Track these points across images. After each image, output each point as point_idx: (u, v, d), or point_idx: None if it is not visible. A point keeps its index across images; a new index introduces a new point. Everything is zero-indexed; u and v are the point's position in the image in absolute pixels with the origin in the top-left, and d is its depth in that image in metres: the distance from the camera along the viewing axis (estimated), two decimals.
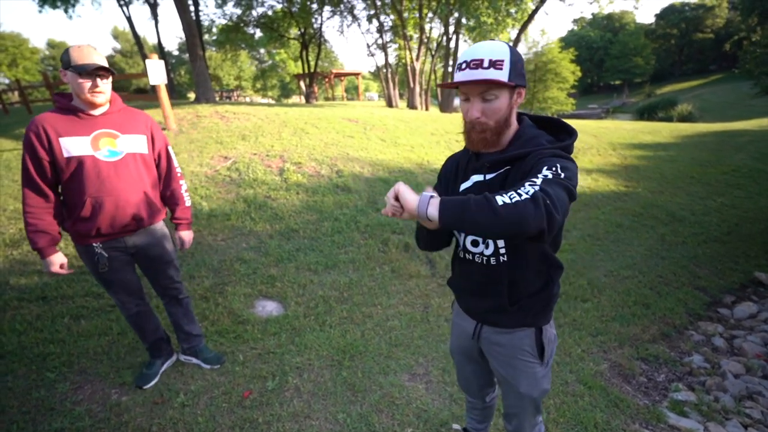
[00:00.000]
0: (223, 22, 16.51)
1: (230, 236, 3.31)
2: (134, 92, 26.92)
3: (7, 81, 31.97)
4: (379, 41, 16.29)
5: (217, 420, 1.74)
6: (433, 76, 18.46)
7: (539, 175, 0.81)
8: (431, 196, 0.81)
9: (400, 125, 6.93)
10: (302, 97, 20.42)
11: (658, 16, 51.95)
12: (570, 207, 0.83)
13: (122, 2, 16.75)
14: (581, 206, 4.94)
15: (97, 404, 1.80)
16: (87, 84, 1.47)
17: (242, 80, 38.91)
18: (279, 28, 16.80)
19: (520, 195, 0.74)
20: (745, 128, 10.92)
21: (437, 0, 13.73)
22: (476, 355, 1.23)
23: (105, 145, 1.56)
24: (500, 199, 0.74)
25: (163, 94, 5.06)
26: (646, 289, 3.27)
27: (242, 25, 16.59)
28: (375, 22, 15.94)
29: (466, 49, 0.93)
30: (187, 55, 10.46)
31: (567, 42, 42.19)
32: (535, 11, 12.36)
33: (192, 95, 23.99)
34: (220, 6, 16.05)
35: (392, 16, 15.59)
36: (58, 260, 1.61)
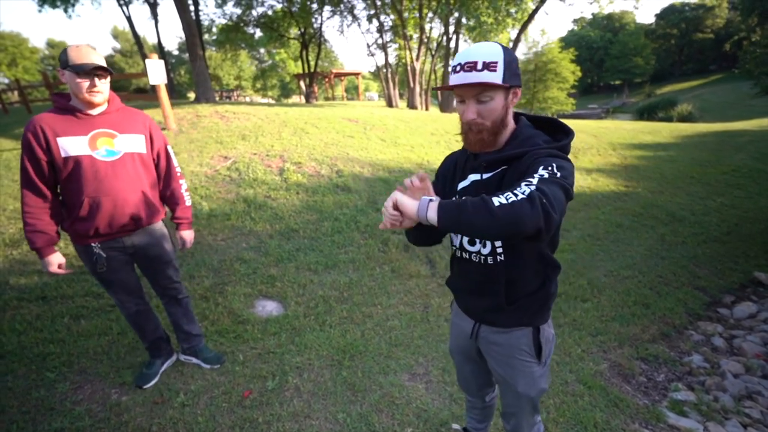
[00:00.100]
0: (223, 21, 16.51)
1: (230, 236, 3.31)
2: (134, 92, 26.92)
3: (6, 81, 31.97)
4: (379, 41, 16.31)
5: (217, 420, 1.74)
6: (433, 76, 18.46)
7: (535, 175, 0.81)
8: (430, 200, 0.82)
9: (400, 125, 6.93)
10: (302, 97, 20.42)
11: (658, 16, 51.96)
12: (567, 206, 0.83)
13: (122, 2, 16.74)
14: (581, 206, 4.94)
15: (97, 404, 1.80)
16: (85, 84, 1.48)
17: (242, 80, 38.90)
18: (279, 28, 16.79)
19: (516, 195, 0.75)
20: (745, 128, 10.92)
21: (437, 0, 13.73)
22: (475, 355, 1.23)
23: (103, 145, 1.55)
24: (496, 200, 0.75)
25: (163, 94, 5.06)
26: (646, 289, 3.27)
27: (242, 24, 16.58)
28: (375, 22, 15.95)
29: (460, 51, 0.94)
30: (187, 54, 10.46)
31: (567, 42, 42.20)
32: (535, 11, 12.36)
33: (192, 95, 23.99)
34: (220, 6, 16.05)
35: (392, 16, 15.59)
36: (56, 260, 1.62)
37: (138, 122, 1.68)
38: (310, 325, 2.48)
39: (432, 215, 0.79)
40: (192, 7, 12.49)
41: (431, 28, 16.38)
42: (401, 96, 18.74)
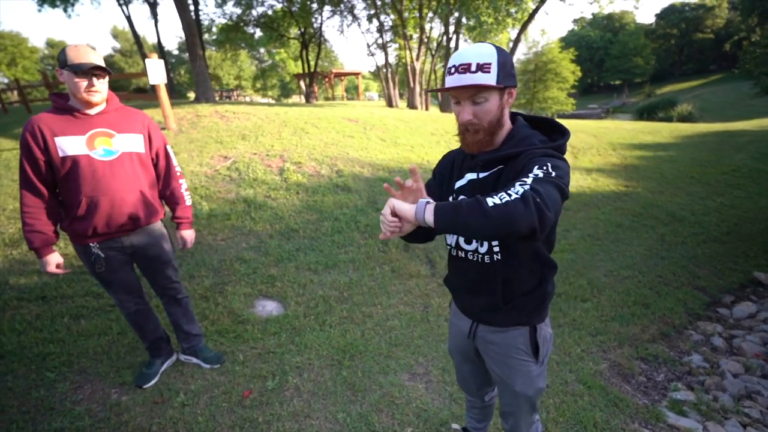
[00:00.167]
0: (223, 21, 16.50)
1: (230, 236, 3.31)
2: (134, 92, 26.90)
3: (6, 80, 31.96)
4: (379, 41, 16.31)
5: (217, 419, 1.74)
6: (433, 76, 18.47)
7: (530, 175, 0.82)
8: (427, 202, 0.82)
9: (400, 125, 6.93)
10: (302, 97, 20.42)
11: (658, 16, 51.95)
12: (563, 205, 0.84)
13: (122, 1, 16.73)
14: (581, 206, 4.95)
15: (96, 404, 1.80)
16: (83, 83, 1.48)
17: (242, 80, 38.89)
18: (279, 28, 16.79)
19: (510, 195, 0.75)
20: (745, 128, 10.92)
21: (437, 0, 13.72)
22: (473, 355, 1.23)
23: (100, 145, 1.55)
24: (490, 201, 0.75)
25: (163, 94, 5.06)
26: (646, 289, 3.27)
27: (242, 24, 16.58)
28: (375, 22, 15.95)
29: (455, 53, 0.94)
30: (187, 54, 10.46)
31: (567, 42, 42.18)
32: (535, 11, 12.36)
33: (192, 95, 23.99)
34: (219, 5, 16.04)
35: (392, 16, 15.59)
36: (54, 260, 1.62)
37: (136, 122, 1.67)
38: (310, 324, 2.48)
39: (429, 217, 0.80)
40: (192, 7, 12.48)
41: (431, 28, 16.39)
42: (401, 96, 18.74)
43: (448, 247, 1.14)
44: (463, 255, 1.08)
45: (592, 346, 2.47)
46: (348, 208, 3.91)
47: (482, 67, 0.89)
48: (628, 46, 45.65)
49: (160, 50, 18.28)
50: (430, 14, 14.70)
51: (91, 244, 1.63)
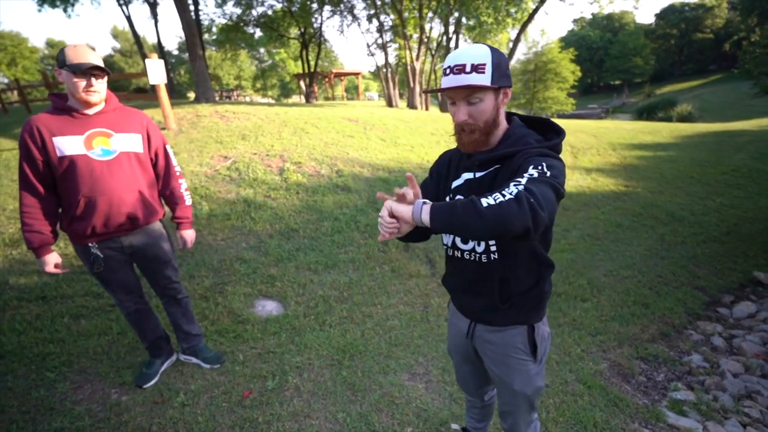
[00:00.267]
0: (223, 21, 16.50)
1: (230, 236, 3.31)
2: (134, 92, 26.89)
3: (6, 80, 31.95)
4: (379, 41, 16.32)
5: (217, 419, 1.74)
6: (433, 76, 18.47)
7: (525, 175, 0.83)
8: (423, 202, 0.83)
9: (400, 125, 6.93)
10: (302, 97, 20.42)
11: (658, 16, 51.96)
12: (558, 204, 0.84)
13: (122, 1, 16.73)
14: (581, 206, 4.95)
15: (96, 404, 1.80)
16: (81, 83, 1.48)
17: (242, 80, 38.88)
18: (279, 28, 16.79)
19: (504, 196, 0.76)
20: (745, 128, 10.93)
21: (437, 0, 13.72)
22: (472, 355, 1.23)
23: (98, 144, 1.55)
24: (485, 201, 0.76)
25: (163, 94, 5.06)
26: (646, 288, 3.27)
27: (242, 24, 16.58)
28: (375, 22, 15.95)
29: (450, 54, 0.95)
30: (187, 54, 10.45)
31: (567, 42, 42.15)
32: (535, 11, 12.37)
33: (192, 95, 23.99)
34: (219, 5, 16.05)
35: (392, 16, 15.60)
36: (52, 260, 1.62)
37: (135, 121, 1.67)
38: (310, 324, 2.48)
39: (425, 217, 0.81)
40: (192, 7, 12.48)
41: (431, 28, 16.40)
42: (401, 96, 18.74)
43: (445, 247, 1.15)
44: (459, 255, 1.09)
45: (591, 346, 2.47)
46: (348, 208, 3.91)
47: (477, 68, 0.90)
48: (627, 46, 45.66)
49: (160, 50, 18.28)
50: (430, 14, 14.70)
51: (89, 244, 1.63)
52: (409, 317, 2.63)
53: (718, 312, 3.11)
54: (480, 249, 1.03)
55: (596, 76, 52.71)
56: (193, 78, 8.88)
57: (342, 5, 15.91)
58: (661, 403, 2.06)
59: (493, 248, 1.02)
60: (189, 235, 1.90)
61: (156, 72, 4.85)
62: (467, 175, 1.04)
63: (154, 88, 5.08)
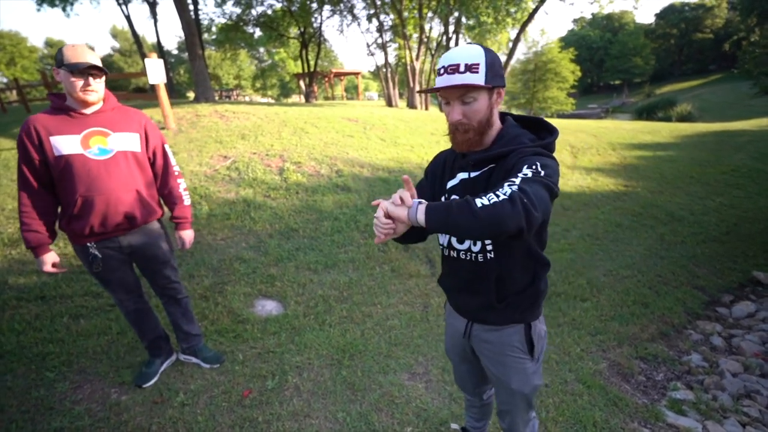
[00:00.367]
0: (223, 21, 16.49)
1: (230, 235, 3.31)
2: (133, 91, 26.85)
3: (5, 80, 31.92)
4: (379, 40, 16.31)
5: (217, 419, 1.74)
6: (432, 76, 18.45)
7: (519, 174, 0.84)
8: (419, 202, 0.85)
9: (400, 125, 6.93)
10: (302, 97, 20.41)
11: (658, 16, 51.98)
12: (552, 204, 0.85)
13: (121, 1, 16.72)
14: (581, 206, 4.95)
15: (96, 403, 1.80)
16: (79, 82, 1.48)
17: (242, 79, 38.85)
18: (278, 28, 16.78)
19: (498, 196, 0.77)
20: (744, 128, 10.93)
21: (437, 0, 13.72)
22: (469, 354, 1.24)
23: (95, 144, 1.55)
24: (479, 201, 0.77)
25: (163, 94, 5.06)
26: (645, 288, 3.27)
27: (242, 24, 16.57)
28: (375, 22, 15.94)
29: (444, 54, 0.96)
30: (187, 54, 10.45)
31: (567, 42, 42.14)
32: (535, 11, 12.35)
33: (191, 94, 23.96)
34: (219, 5, 16.02)
35: (392, 16, 15.58)
36: (50, 259, 1.62)
37: (133, 121, 1.67)
38: (310, 324, 2.48)
39: (421, 217, 0.83)
40: (191, 7, 12.47)
41: (431, 28, 16.39)
42: (401, 96, 18.74)
43: (441, 247, 1.15)
44: (455, 255, 1.09)
45: (591, 346, 2.47)
46: (348, 207, 3.91)
47: (470, 68, 0.91)
48: (627, 46, 45.67)
49: (160, 50, 18.27)
50: (430, 14, 14.69)
51: (88, 244, 1.63)
52: (408, 317, 2.63)
53: (718, 312, 3.12)
54: (476, 248, 1.04)
55: (596, 76, 52.73)
56: (193, 78, 8.87)
57: (342, 5, 15.90)
58: (661, 402, 2.07)
59: (489, 247, 1.02)
60: (187, 235, 1.89)
61: (155, 71, 4.84)
62: (462, 175, 1.05)
63: (153, 87, 5.08)
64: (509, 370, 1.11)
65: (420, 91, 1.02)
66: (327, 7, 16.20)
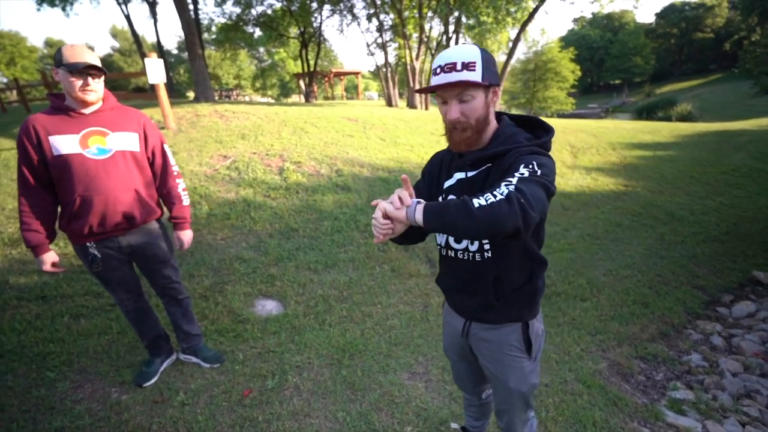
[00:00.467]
0: (223, 20, 16.49)
1: (230, 235, 3.31)
2: (133, 91, 26.85)
3: (5, 80, 31.92)
4: (379, 40, 16.30)
5: (217, 418, 1.74)
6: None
7: (516, 174, 0.84)
8: (417, 202, 0.85)
9: (400, 124, 6.93)
10: (302, 96, 20.40)
11: (659, 16, 51.93)
12: (549, 203, 0.86)
13: (121, 1, 16.71)
14: (581, 205, 4.95)
15: (97, 403, 1.80)
16: (78, 82, 1.48)
17: (242, 79, 38.83)
18: (278, 27, 16.77)
19: (495, 196, 0.78)
20: (745, 128, 10.93)
21: None
22: (467, 353, 1.24)
23: (94, 143, 1.55)
24: (476, 202, 0.78)
25: (162, 93, 5.06)
26: (645, 288, 3.27)
27: (241, 23, 16.56)
28: (375, 21, 15.93)
29: (439, 54, 0.97)
30: (186, 54, 10.44)
31: (567, 41, 42.12)
32: (535, 10, 12.34)
33: (191, 94, 23.96)
34: (219, 5, 16.02)
35: (392, 15, 15.57)
36: (49, 259, 1.62)
37: (132, 120, 1.67)
38: (310, 324, 2.48)
39: (419, 216, 0.83)
40: (191, 6, 12.47)
41: (431, 28, 16.37)
42: (401, 95, 18.73)
43: (438, 247, 1.16)
44: (453, 254, 1.09)
45: (591, 346, 2.47)
46: (348, 207, 3.91)
47: (467, 66, 0.91)
48: (627, 45, 45.62)
49: (160, 49, 18.26)
50: (430, 13, 14.68)
51: (87, 244, 1.64)
52: (408, 316, 2.63)
53: (718, 311, 3.12)
54: (473, 248, 1.04)
55: (596, 76, 52.69)
56: (193, 77, 8.87)
57: (341, 4, 15.89)
58: (661, 402, 2.07)
59: (486, 247, 1.03)
60: (186, 235, 1.88)
61: (155, 71, 4.84)
62: (459, 175, 1.05)
63: (153, 87, 5.08)
64: (507, 368, 1.12)
65: (418, 91, 1.01)
66: (327, 7, 16.19)
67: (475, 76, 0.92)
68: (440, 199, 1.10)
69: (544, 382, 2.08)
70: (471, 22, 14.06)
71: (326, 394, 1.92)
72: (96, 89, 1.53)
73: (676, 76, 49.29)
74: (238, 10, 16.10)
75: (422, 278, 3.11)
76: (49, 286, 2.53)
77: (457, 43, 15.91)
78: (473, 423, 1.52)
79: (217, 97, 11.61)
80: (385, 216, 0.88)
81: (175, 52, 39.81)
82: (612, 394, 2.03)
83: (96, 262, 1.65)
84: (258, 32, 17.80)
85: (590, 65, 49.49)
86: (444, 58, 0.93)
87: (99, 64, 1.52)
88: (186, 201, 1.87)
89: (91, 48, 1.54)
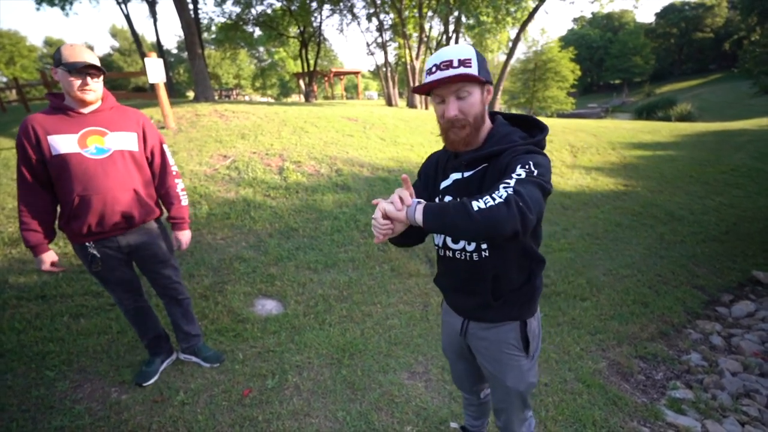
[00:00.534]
0: (222, 20, 16.49)
1: (230, 235, 3.31)
2: (133, 90, 26.83)
3: (5, 79, 31.88)
4: (379, 40, 16.32)
5: (217, 418, 1.74)
6: None
7: (513, 175, 0.85)
8: (418, 202, 0.86)
9: (400, 124, 6.93)
10: (301, 96, 20.39)
11: (658, 15, 51.93)
12: (545, 202, 0.87)
13: (120, 0, 16.70)
14: (580, 205, 4.95)
15: (96, 402, 1.80)
16: (77, 82, 1.48)
17: (241, 79, 38.81)
18: (278, 27, 16.77)
19: (494, 199, 0.79)
20: (744, 128, 10.93)
21: None
22: (466, 352, 1.24)
23: (92, 143, 1.55)
24: (476, 205, 0.79)
25: (162, 93, 5.06)
26: (645, 287, 3.27)
27: (241, 23, 16.56)
28: (374, 21, 15.93)
29: (433, 54, 0.97)
30: (186, 53, 10.44)
31: (567, 41, 42.12)
32: (535, 10, 12.34)
33: (191, 94, 23.94)
34: (219, 4, 16.02)
35: (392, 15, 15.57)
36: (48, 258, 1.62)
37: (131, 120, 1.67)
38: (310, 323, 2.48)
39: (419, 216, 0.84)
40: (191, 6, 12.46)
41: (431, 27, 16.38)
42: (401, 95, 18.73)
43: (436, 248, 1.16)
44: (450, 254, 1.10)
45: (591, 345, 2.48)
46: (347, 207, 3.91)
47: (464, 63, 0.92)
48: (627, 45, 45.62)
49: (159, 49, 18.25)
50: (430, 13, 14.68)
51: (86, 244, 1.64)
52: (408, 316, 2.63)
53: (717, 311, 3.12)
54: (470, 248, 1.05)
55: (596, 75, 52.69)
56: (193, 77, 8.86)
57: (341, 4, 15.88)
58: (660, 401, 2.07)
59: (484, 246, 1.03)
60: (184, 236, 1.88)
61: (155, 71, 4.84)
62: (455, 176, 1.05)
63: (153, 87, 5.08)
64: (505, 367, 1.12)
65: (415, 90, 1.00)
66: (327, 6, 16.19)
67: (473, 71, 0.93)
68: (437, 199, 1.10)
69: (544, 381, 2.08)
70: (471, 21, 14.05)
71: (326, 394, 1.92)
72: (95, 89, 1.53)
73: (675, 76, 49.29)
74: (237, 9, 16.11)
75: (422, 278, 3.11)
76: (49, 285, 2.53)
77: (457, 42, 15.91)
78: (472, 422, 1.52)
79: (216, 97, 11.60)
80: (385, 216, 0.89)
81: (174, 51, 39.78)
82: (612, 393, 2.03)
83: (95, 262, 1.65)
84: (258, 32, 17.80)
85: (590, 65, 49.48)
86: (439, 56, 0.94)
87: (98, 63, 1.52)
88: (184, 201, 1.87)
89: (91, 47, 1.54)
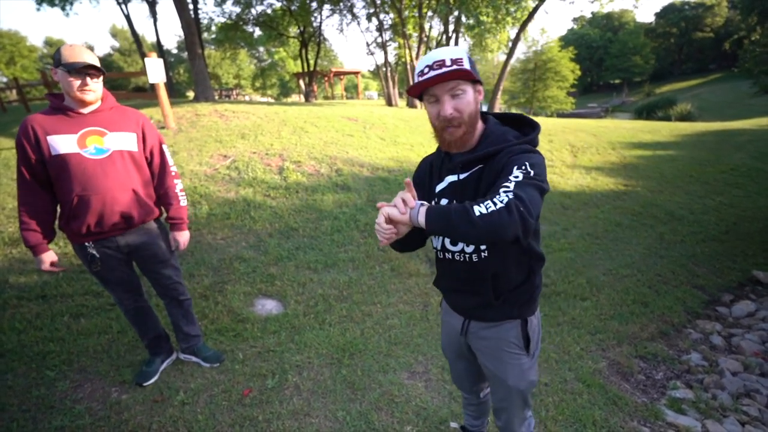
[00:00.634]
0: (222, 20, 16.49)
1: (230, 235, 3.31)
2: (133, 90, 26.83)
3: (5, 79, 31.89)
4: (379, 40, 16.32)
5: (217, 418, 1.74)
6: None
7: (511, 178, 0.86)
8: (421, 204, 0.87)
9: (400, 124, 6.93)
10: (301, 96, 20.39)
11: (658, 15, 51.91)
12: (542, 200, 0.89)
13: (120, 0, 16.70)
14: (581, 205, 4.95)
15: (97, 402, 1.80)
16: (76, 82, 1.48)
17: (241, 79, 38.82)
18: (278, 27, 16.77)
19: (495, 204, 0.80)
20: (744, 127, 10.93)
21: None
22: (466, 352, 1.24)
23: (92, 143, 1.55)
24: (477, 210, 0.80)
25: (162, 93, 5.06)
26: (645, 287, 3.27)
27: (241, 23, 16.56)
28: (374, 21, 15.93)
29: (423, 56, 0.98)
30: (186, 53, 10.44)
31: (567, 41, 42.13)
32: (535, 10, 12.33)
33: (191, 94, 23.93)
34: (219, 4, 16.02)
35: (392, 15, 15.57)
36: (48, 258, 1.62)
37: (130, 120, 1.67)
38: (310, 323, 2.48)
39: (422, 219, 0.86)
40: (191, 6, 12.46)
41: (431, 27, 16.37)
42: (401, 95, 18.73)
43: (435, 250, 1.16)
44: (450, 256, 1.10)
45: (591, 345, 2.48)
46: (347, 207, 3.91)
47: (456, 62, 0.93)
48: (627, 45, 45.60)
49: (159, 49, 18.26)
50: (430, 13, 14.68)
51: (86, 244, 1.64)
52: (408, 316, 2.63)
53: (717, 311, 3.12)
54: (469, 249, 1.05)
55: (596, 75, 52.66)
56: (193, 77, 8.86)
57: (341, 4, 15.89)
58: (660, 401, 2.07)
59: (483, 247, 1.04)
60: (183, 236, 1.87)
61: (155, 71, 4.84)
62: (451, 178, 1.05)
63: (153, 87, 5.08)
64: (505, 366, 1.12)
65: (408, 91, 0.99)
66: (327, 6, 16.19)
67: (466, 67, 0.93)
68: (433, 203, 1.10)
69: (544, 381, 2.08)
70: (471, 21, 14.04)
71: (326, 394, 1.92)
72: (94, 89, 1.53)
73: (675, 76, 49.28)
74: (237, 9, 16.12)
75: (422, 278, 3.11)
76: (49, 285, 2.53)
77: (457, 42, 15.91)
78: (472, 422, 1.52)
79: (216, 97, 11.60)
80: (388, 221, 0.90)
81: (174, 51, 39.78)
82: (612, 393, 2.03)
83: (95, 262, 1.66)
84: (258, 32, 17.80)
85: (590, 65, 49.47)
86: (431, 57, 0.95)
87: (98, 63, 1.52)
88: (183, 202, 1.87)
89: (91, 48, 1.55)
